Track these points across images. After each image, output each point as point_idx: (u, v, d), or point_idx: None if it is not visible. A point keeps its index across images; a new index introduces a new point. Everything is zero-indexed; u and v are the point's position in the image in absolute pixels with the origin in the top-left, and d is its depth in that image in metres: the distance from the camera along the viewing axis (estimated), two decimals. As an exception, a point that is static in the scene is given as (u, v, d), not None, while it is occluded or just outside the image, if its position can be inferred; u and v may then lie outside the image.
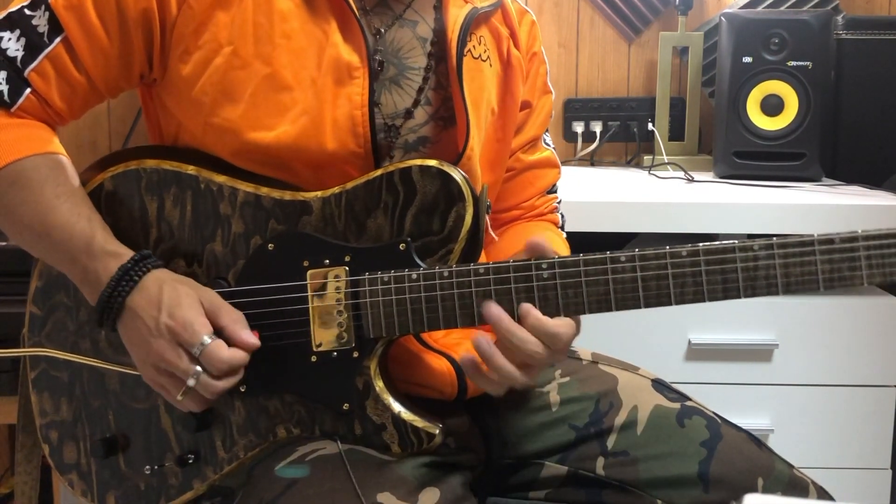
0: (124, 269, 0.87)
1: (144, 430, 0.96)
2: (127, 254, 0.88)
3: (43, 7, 0.90)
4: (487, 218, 0.94)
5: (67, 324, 0.98)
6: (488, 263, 0.87)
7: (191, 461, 0.94)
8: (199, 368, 0.84)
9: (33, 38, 0.90)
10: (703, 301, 0.85)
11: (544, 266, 0.85)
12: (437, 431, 0.90)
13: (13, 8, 0.92)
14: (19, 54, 0.90)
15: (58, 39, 0.90)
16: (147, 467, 0.96)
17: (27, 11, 0.90)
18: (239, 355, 0.85)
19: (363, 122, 0.93)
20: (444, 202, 0.88)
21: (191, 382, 0.84)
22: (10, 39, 0.90)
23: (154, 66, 0.94)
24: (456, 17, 0.99)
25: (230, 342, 0.86)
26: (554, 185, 1.20)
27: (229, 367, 0.85)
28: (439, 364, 0.97)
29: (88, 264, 0.88)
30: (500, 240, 1.14)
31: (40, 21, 0.90)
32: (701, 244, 0.84)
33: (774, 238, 0.83)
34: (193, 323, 0.84)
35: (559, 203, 1.21)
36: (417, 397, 0.95)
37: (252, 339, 0.86)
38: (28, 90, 0.91)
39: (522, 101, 1.12)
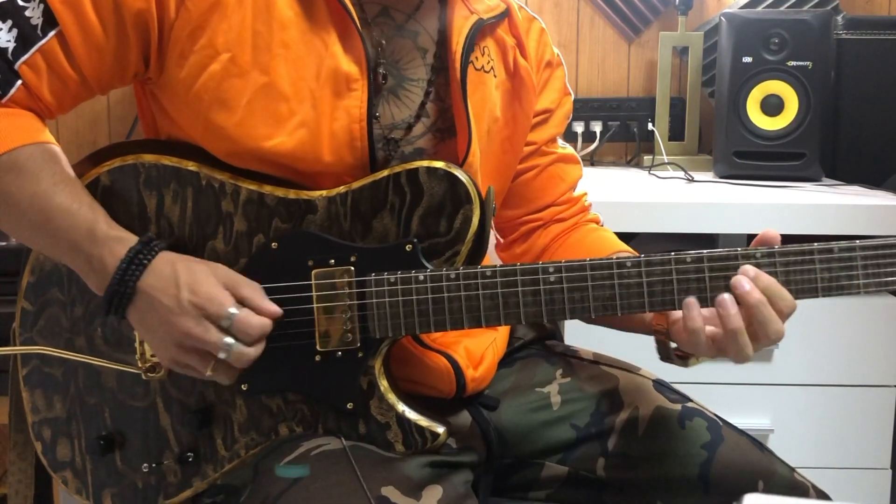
0: (133, 251, 0.85)
1: (142, 428, 0.95)
2: (132, 238, 0.87)
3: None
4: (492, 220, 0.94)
5: (61, 320, 0.96)
6: (495, 266, 0.87)
7: (190, 459, 0.93)
8: (229, 339, 0.83)
9: (26, 30, 0.88)
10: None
11: (551, 269, 0.86)
12: (442, 431, 0.90)
13: None
14: (10, 45, 0.87)
15: (52, 33, 0.88)
16: (145, 465, 0.95)
17: (20, 2, 0.88)
18: (267, 321, 0.85)
19: (361, 135, 0.91)
20: (451, 204, 0.88)
21: (222, 355, 0.83)
22: (0, 30, 0.88)
23: (150, 66, 0.92)
24: (460, 28, 0.97)
25: (254, 311, 0.85)
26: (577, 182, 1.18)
27: (261, 334, 0.85)
28: (438, 362, 0.97)
29: (93, 251, 0.86)
30: (567, 248, 1.12)
31: (34, 13, 0.88)
32: (705, 251, 0.86)
33: (776, 246, 0.86)
34: (218, 296, 0.83)
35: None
36: (417, 395, 0.95)
37: (275, 307, 0.86)
38: (19, 82, 0.88)
39: (543, 109, 1.11)
